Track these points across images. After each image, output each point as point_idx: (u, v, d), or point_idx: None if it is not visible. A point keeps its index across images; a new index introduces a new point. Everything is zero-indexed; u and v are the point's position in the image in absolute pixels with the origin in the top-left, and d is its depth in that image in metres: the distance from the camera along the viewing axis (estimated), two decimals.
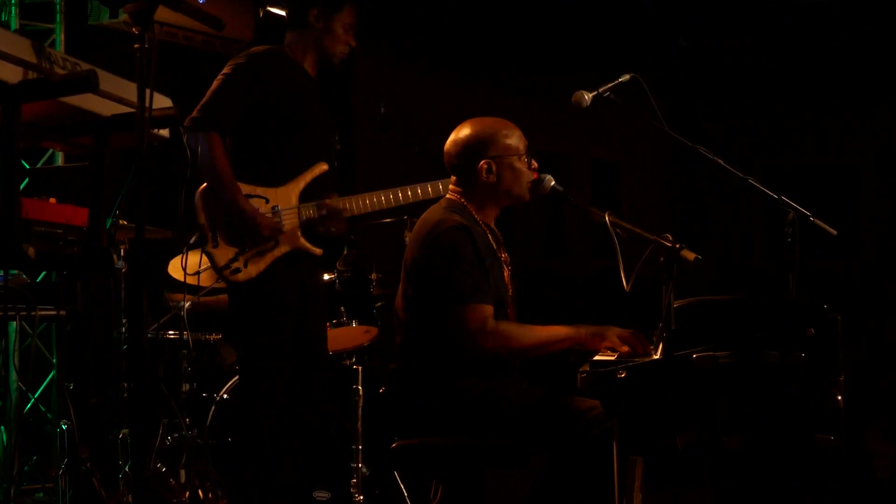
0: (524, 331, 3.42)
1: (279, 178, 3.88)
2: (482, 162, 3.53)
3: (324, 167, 3.94)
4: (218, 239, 3.79)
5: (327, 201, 3.90)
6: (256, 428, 3.83)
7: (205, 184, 3.80)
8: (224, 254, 3.79)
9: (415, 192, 4.01)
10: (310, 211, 3.89)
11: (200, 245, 3.82)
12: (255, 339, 3.87)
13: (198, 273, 3.92)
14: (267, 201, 3.84)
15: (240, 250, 3.80)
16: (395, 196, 3.99)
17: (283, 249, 3.85)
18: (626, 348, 3.31)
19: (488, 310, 3.38)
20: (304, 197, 3.89)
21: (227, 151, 3.82)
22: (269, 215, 3.82)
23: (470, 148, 3.56)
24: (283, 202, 3.86)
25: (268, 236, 3.80)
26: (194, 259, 3.87)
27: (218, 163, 3.74)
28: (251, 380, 3.92)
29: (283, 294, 3.87)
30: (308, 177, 3.91)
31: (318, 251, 3.94)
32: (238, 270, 3.79)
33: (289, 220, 3.86)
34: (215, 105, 3.80)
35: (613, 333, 3.36)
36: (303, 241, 3.89)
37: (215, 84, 3.85)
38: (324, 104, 4.09)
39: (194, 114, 3.78)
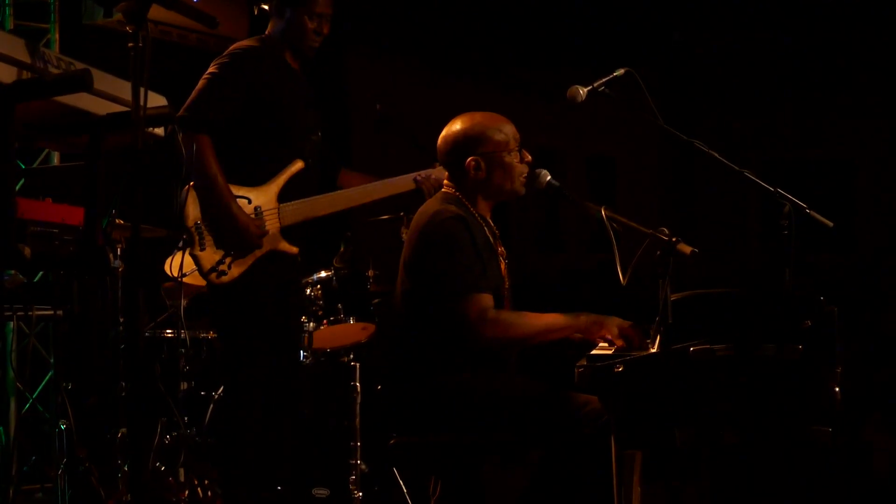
0: (523, 319, 3.41)
1: (259, 178, 3.88)
2: (469, 159, 3.54)
3: (300, 165, 3.93)
4: (205, 242, 3.79)
5: None
6: (243, 424, 3.85)
7: (191, 183, 3.79)
8: (210, 257, 3.79)
9: (378, 189, 4.07)
10: (289, 210, 3.89)
11: (187, 247, 3.82)
12: (236, 337, 3.89)
13: (182, 275, 3.93)
14: (249, 202, 3.85)
15: (226, 253, 3.80)
16: (361, 194, 4.04)
17: (264, 250, 3.86)
18: (621, 342, 3.32)
19: (488, 299, 3.38)
20: (283, 196, 3.90)
21: None
22: (253, 217, 3.83)
23: (459, 144, 3.57)
24: (263, 202, 3.87)
25: (260, 244, 3.81)
26: (190, 259, 3.88)
27: (210, 168, 3.73)
28: (234, 377, 3.95)
29: (263, 292, 3.88)
30: (285, 175, 3.91)
31: (294, 250, 3.95)
32: (224, 273, 3.80)
33: (270, 221, 3.87)
34: (203, 105, 3.78)
35: (613, 324, 3.35)
36: (283, 242, 3.90)
37: (201, 84, 3.83)
38: (309, 96, 4.07)
39: (181, 113, 3.76)
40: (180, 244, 3.85)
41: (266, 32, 4.03)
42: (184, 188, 3.80)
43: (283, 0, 3.97)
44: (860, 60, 10.66)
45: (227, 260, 3.80)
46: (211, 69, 3.86)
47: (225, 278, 3.79)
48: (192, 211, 3.80)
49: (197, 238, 3.78)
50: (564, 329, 3.41)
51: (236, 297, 3.85)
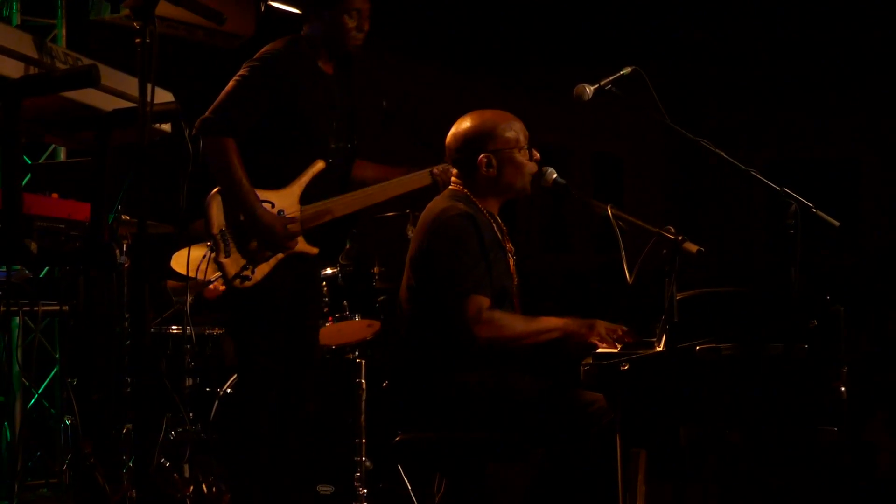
0: (516, 321, 3.46)
1: (281, 181, 3.85)
2: (482, 156, 3.54)
3: (321, 165, 3.91)
4: (230, 249, 3.77)
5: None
6: (253, 424, 3.85)
7: (215, 190, 3.77)
8: (235, 263, 3.78)
9: (396, 186, 4.04)
10: (310, 212, 3.88)
11: (212, 254, 3.79)
12: (253, 339, 3.88)
13: (208, 283, 3.92)
14: (273, 206, 3.82)
15: (249, 260, 3.79)
16: (379, 191, 4.02)
17: (289, 251, 3.85)
18: (619, 331, 3.36)
19: (486, 301, 3.40)
20: (305, 198, 3.88)
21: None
22: None
23: (469, 141, 3.57)
24: (286, 205, 3.85)
25: (291, 247, 3.80)
26: (196, 254, 3.88)
27: (236, 172, 3.69)
28: (249, 377, 3.94)
29: (282, 294, 3.87)
30: (307, 177, 3.88)
31: (315, 251, 3.93)
32: (247, 279, 3.78)
33: (291, 224, 3.85)
34: (231, 109, 3.73)
35: (601, 326, 3.45)
36: (304, 243, 3.89)
37: (231, 86, 3.78)
38: (337, 99, 4.03)
39: (208, 114, 3.72)
40: (209, 244, 3.82)
41: (302, 33, 3.98)
42: (191, 184, 3.79)
43: (320, 1, 3.93)
44: (866, 59, 10.65)
45: (251, 266, 3.79)
46: (242, 72, 3.81)
47: (248, 283, 3.79)
48: (217, 218, 3.77)
49: (222, 245, 3.76)
50: (555, 331, 3.47)
51: (256, 298, 3.83)
